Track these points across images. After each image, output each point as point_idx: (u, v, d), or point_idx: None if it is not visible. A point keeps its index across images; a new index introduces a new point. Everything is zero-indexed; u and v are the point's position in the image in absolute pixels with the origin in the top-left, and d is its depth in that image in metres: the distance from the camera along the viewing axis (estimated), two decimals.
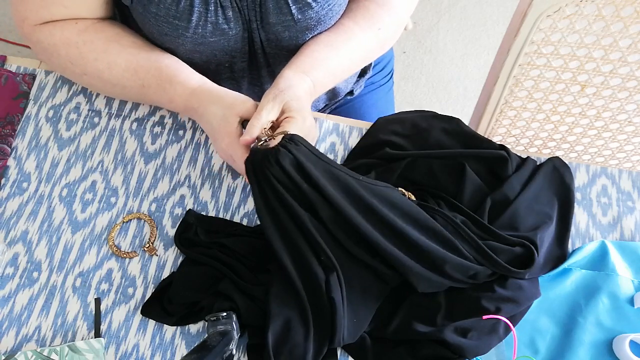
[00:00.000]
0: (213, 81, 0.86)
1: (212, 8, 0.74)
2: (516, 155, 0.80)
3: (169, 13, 0.73)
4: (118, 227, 0.76)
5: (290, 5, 0.75)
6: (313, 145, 0.69)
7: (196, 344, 0.65)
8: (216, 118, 0.72)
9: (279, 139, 0.67)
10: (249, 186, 0.80)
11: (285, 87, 0.72)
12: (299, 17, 0.76)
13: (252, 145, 0.69)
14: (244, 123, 0.72)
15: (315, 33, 0.80)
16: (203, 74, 0.81)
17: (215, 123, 0.72)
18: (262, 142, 0.68)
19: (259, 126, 0.68)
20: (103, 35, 0.77)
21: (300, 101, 0.72)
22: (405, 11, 0.86)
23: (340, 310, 0.66)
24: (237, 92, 0.74)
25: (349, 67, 0.83)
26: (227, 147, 0.71)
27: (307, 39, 0.80)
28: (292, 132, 0.68)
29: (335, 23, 0.82)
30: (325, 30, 0.81)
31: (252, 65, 0.87)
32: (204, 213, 0.78)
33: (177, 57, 0.81)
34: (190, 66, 0.82)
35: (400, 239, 0.67)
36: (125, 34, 0.79)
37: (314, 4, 0.76)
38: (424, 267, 0.68)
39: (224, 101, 0.72)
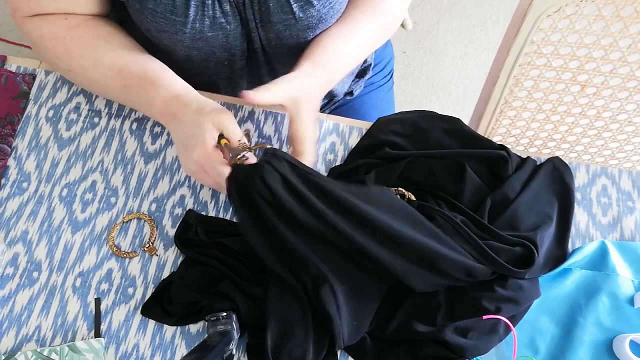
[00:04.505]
0: (211, 81, 0.86)
1: (209, 2, 0.74)
2: (516, 155, 0.80)
3: (166, 8, 0.73)
4: (118, 227, 0.76)
5: (292, 3, 0.75)
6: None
7: (196, 344, 0.65)
8: (192, 125, 0.70)
9: (250, 153, 0.67)
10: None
11: (301, 82, 0.72)
12: (301, 15, 0.76)
13: (232, 161, 0.68)
14: (222, 142, 0.70)
15: (317, 32, 0.80)
16: (202, 73, 0.80)
17: (190, 130, 0.69)
18: (240, 157, 0.67)
19: (275, 87, 0.69)
20: (92, 32, 0.77)
21: (310, 99, 0.73)
22: None
23: (336, 321, 0.65)
24: (217, 103, 0.72)
25: (359, 57, 0.84)
26: (200, 157, 0.68)
27: (308, 37, 0.80)
28: (309, 136, 0.68)
29: (342, 14, 0.82)
30: (335, 22, 0.81)
31: (251, 64, 0.87)
32: (204, 213, 0.78)
33: (176, 55, 0.81)
34: (189, 64, 0.82)
35: (390, 240, 0.66)
36: (116, 34, 0.78)
37: (315, 2, 0.76)
38: (417, 266, 0.67)
39: (203, 109, 0.70)
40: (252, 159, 0.69)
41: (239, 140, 0.69)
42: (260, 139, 0.82)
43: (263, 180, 0.64)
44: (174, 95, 0.73)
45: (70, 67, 0.78)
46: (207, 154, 0.68)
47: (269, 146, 0.66)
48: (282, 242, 0.67)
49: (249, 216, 0.67)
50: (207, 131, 0.68)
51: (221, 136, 0.69)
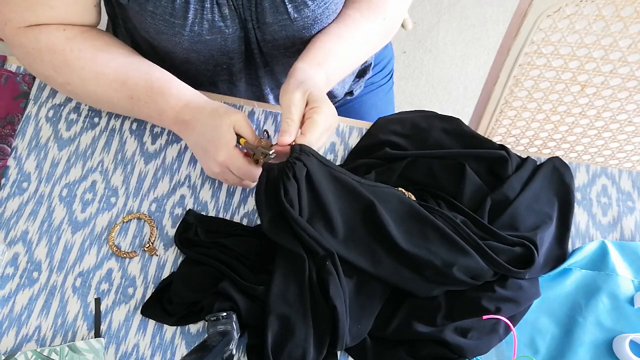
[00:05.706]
0: (210, 83, 0.86)
1: (208, 5, 0.74)
2: (516, 155, 0.80)
3: (166, 11, 0.73)
4: (118, 227, 0.76)
5: (287, 4, 0.75)
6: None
7: (196, 344, 0.65)
8: (210, 129, 0.70)
9: (276, 149, 0.68)
10: (249, 188, 0.80)
11: (304, 79, 0.71)
12: (295, 16, 0.76)
13: (255, 158, 0.70)
14: (242, 142, 0.71)
15: (313, 32, 0.80)
16: (201, 75, 0.80)
17: (209, 135, 0.70)
18: (265, 154, 0.69)
19: (294, 123, 0.67)
20: (91, 44, 0.75)
21: (322, 90, 0.72)
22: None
23: (343, 318, 0.65)
24: (227, 105, 0.73)
25: (358, 59, 0.83)
26: (226, 159, 0.70)
27: (304, 38, 0.80)
28: (320, 123, 0.68)
29: (340, 14, 0.82)
30: (332, 22, 0.81)
31: (249, 66, 0.87)
32: (204, 213, 0.78)
33: (175, 56, 0.80)
34: (188, 66, 0.82)
35: (398, 251, 0.68)
36: (115, 44, 0.77)
37: (310, 3, 0.76)
38: (426, 276, 0.68)
39: (217, 112, 0.71)
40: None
41: (260, 139, 0.71)
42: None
43: (295, 177, 0.65)
44: (184, 103, 0.73)
45: (70, 80, 0.75)
46: (232, 156, 0.70)
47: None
48: (300, 237, 0.67)
49: (275, 214, 0.68)
50: (227, 133, 0.70)
51: (238, 135, 0.71)
